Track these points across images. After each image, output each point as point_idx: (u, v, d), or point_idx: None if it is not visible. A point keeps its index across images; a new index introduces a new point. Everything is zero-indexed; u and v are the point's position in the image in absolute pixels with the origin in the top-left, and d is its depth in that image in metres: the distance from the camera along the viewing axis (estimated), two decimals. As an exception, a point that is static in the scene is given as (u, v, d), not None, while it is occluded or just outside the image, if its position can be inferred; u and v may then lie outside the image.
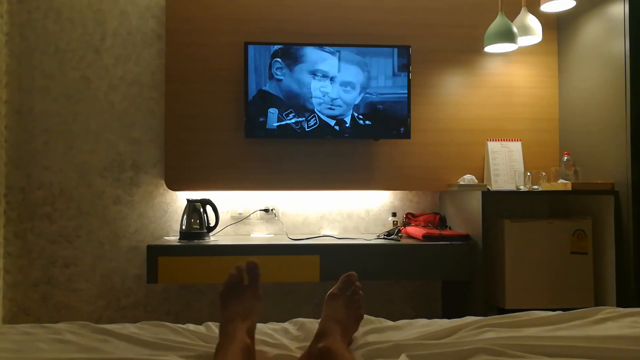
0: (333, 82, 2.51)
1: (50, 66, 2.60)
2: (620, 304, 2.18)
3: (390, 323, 1.34)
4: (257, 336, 1.21)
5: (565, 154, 2.51)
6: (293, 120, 2.50)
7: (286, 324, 1.35)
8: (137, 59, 2.64)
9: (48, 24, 2.60)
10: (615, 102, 2.27)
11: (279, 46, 2.48)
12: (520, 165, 2.65)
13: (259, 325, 1.33)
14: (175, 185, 2.57)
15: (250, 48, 2.46)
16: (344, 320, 1.14)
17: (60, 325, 1.24)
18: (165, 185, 2.59)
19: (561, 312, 1.35)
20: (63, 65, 2.61)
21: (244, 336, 1.03)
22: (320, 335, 1.09)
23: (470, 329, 1.24)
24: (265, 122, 2.48)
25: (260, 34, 2.59)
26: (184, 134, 2.57)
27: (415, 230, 2.47)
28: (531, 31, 2.48)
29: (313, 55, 2.49)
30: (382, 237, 2.50)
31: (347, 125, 2.52)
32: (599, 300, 2.30)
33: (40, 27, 2.60)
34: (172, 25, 2.58)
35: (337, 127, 2.52)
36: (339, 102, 2.52)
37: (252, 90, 2.47)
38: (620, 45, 2.24)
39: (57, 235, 2.59)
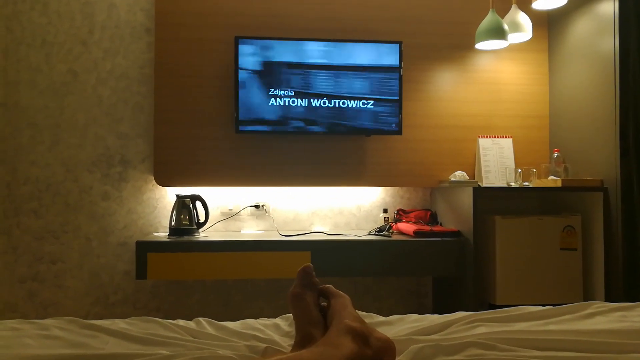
0: (325, 77, 2.50)
1: (36, 59, 2.56)
2: (609, 298, 2.20)
3: (381, 318, 1.33)
4: (247, 331, 1.20)
5: (556, 150, 2.53)
6: (283, 116, 2.48)
7: (277, 320, 1.34)
8: (126, 52, 2.61)
9: (35, 17, 2.56)
10: (605, 99, 2.28)
11: (271, 41, 2.46)
12: (511, 162, 2.66)
13: (249, 321, 1.32)
14: (165, 180, 2.55)
15: (241, 42, 2.44)
16: (318, 319, 1.08)
17: (48, 321, 1.21)
18: (154, 181, 2.57)
19: (551, 307, 1.36)
20: (50, 58, 2.57)
21: None
22: (302, 343, 1.02)
23: (462, 324, 1.24)
24: (255, 118, 2.46)
25: (251, 29, 2.57)
26: (173, 129, 2.54)
27: (406, 227, 2.47)
28: (521, 28, 2.49)
29: (304, 50, 2.48)
30: (373, 233, 2.50)
31: (338, 120, 2.51)
32: (587, 296, 2.32)
33: (27, 20, 2.56)
34: (162, 19, 2.55)
35: (328, 123, 2.51)
36: (331, 97, 2.50)
37: (243, 85, 2.45)
38: (609, 43, 2.25)
39: (43, 231, 2.56)
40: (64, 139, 2.58)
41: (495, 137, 2.71)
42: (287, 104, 2.48)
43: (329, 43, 2.50)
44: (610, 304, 1.38)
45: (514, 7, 2.53)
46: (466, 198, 2.30)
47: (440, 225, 2.59)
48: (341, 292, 1.14)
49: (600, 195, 2.27)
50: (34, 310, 2.54)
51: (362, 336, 0.97)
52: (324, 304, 1.14)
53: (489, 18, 2.47)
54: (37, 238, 2.55)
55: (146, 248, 2.19)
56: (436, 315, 1.35)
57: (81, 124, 2.59)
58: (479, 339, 1.06)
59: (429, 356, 0.99)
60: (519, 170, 2.46)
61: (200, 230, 2.43)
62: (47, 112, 2.57)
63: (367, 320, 1.29)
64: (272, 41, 2.46)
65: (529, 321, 1.26)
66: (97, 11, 2.59)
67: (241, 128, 2.46)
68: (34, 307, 2.55)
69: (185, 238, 2.29)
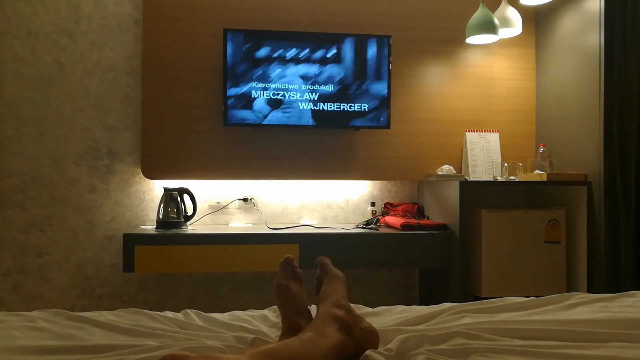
0: (313, 70, 2.50)
1: (22, 50, 2.52)
2: (591, 290, 2.24)
3: (368, 309, 1.35)
4: (235, 323, 1.21)
5: (541, 145, 2.56)
6: (272, 109, 2.48)
7: (265, 311, 1.34)
8: (113, 44, 2.58)
9: (19, 7, 2.52)
10: (590, 94, 2.32)
11: (259, 33, 2.46)
12: (497, 156, 2.69)
13: (237, 313, 1.33)
14: (152, 173, 2.54)
15: (230, 35, 2.43)
16: (305, 309, 1.09)
17: (35, 313, 1.21)
18: (141, 174, 2.55)
19: (534, 298, 1.38)
20: (35, 49, 2.53)
21: None
22: (289, 333, 1.02)
23: (448, 314, 1.26)
24: (244, 111, 2.46)
25: (240, 21, 2.56)
26: (161, 121, 2.52)
27: (393, 220, 2.49)
28: (511, 23, 2.52)
29: (293, 43, 2.48)
30: (361, 226, 2.52)
31: (327, 114, 2.52)
32: (570, 287, 2.36)
33: (11, 10, 2.52)
34: (149, 10, 2.52)
35: (317, 116, 2.51)
36: (319, 91, 2.51)
37: (231, 78, 2.44)
38: (595, 39, 2.28)
39: (29, 224, 2.53)
40: (50, 131, 2.55)
41: (482, 131, 2.73)
42: (275, 97, 2.48)
43: (318, 35, 2.50)
44: (591, 295, 1.41)
45: (503, 2, 2.55)
46: (453, 192, 2.33)
47: (427, 218, 2.61)
48: (337, 272, 1.15)
49: (584, 189, 2.31)
50: (19, 303, 2.52)
51: (347, 326, 0.98)
52: (318, 271, 1.17)
53: (480, 12, 2.49)
54: (23, 231, 2.53)
55: (133, 241, 2.18)
56: (422, 307, 1.37)
57: (68, 116, 2.56)
58: (463, 329, 1.08)
59: (415, 346, 1.01)
60: (506, 165, 2.49)
61: (188, 223, 2.42)
62: (33, 104, 2.53)
63: (354, 312, 1.31)
64: (261, 33, 2.45)
65: (512, 312, 1.29)
66: (84, 2, 2.56)
67: (230, 121, 2.45)
68: (20, 300, 2.53)
69: (173, 231, 2.29)
